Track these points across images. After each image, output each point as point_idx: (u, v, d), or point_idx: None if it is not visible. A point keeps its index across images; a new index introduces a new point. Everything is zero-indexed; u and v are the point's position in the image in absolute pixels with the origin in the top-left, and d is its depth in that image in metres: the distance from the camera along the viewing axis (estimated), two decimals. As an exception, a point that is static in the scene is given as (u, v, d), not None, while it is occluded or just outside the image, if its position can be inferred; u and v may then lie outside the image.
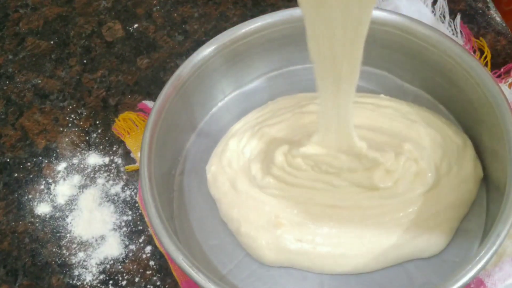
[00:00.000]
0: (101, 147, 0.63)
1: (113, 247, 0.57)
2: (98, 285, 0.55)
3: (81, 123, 0.65)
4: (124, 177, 0.61)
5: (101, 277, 0.56)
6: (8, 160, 0.63)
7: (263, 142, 0.56)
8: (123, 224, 0.58)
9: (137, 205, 0.59)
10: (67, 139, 0.64)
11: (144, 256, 0.56)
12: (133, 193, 0.60)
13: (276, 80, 0.62)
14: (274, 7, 0.70)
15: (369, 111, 0.56)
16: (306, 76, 0.61)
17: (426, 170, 0.52)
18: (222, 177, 0.55)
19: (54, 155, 0.63)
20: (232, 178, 0.55)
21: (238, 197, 0.54)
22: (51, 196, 0.61)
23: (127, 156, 0.62)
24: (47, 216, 0.60)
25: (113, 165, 0.62)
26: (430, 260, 0.51)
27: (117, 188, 0.60)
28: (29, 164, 0.63)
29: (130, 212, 0.59)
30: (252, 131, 0.57)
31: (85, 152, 0.63)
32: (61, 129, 0.65)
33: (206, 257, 0.53)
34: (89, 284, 0.56)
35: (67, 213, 0.59)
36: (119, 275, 0.56)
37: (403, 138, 0.54)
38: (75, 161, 0.62)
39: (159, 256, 0.56)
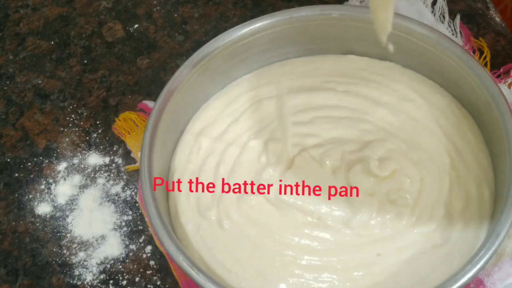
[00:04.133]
0: (101, 147, 0.63)
1: (113, 247, 0.57)
2: (99, 284, 0.55)
3: (82, 123, 0.65)
4: (124, 177, 0.61)
5: (102, 276, 0.56)
6: (9, 160, 0.63)
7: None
8: (123, 224, 0.58)
9: (137, 205, 0.59)
10: (67, 139, 0.64)
11: (144, 256, 0.56)
12: (133, 193, 0.60)
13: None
14: (274, 8, 0.70)
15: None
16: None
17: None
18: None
19: (55, 155, 0.63)
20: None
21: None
22: (51, 196, 0.61)
23: (127, 156, 0.62)
24: (48, 216, 0.60)
25: (114, 165, 0.62)
26: None
27: (117, 188, 0.60)
28: (29, 164, 0.63)
29: (130, 212, 0.59)
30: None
31: (86, 152, 0.63)
32: (62, 129, 0.65)
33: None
34: (90, 284, 0.56)
35: (67, 213, 0.59)
36: (119, 275, 0.56)
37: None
38: (75, 161, 0.62)
39: (160, 255, 0.56)
